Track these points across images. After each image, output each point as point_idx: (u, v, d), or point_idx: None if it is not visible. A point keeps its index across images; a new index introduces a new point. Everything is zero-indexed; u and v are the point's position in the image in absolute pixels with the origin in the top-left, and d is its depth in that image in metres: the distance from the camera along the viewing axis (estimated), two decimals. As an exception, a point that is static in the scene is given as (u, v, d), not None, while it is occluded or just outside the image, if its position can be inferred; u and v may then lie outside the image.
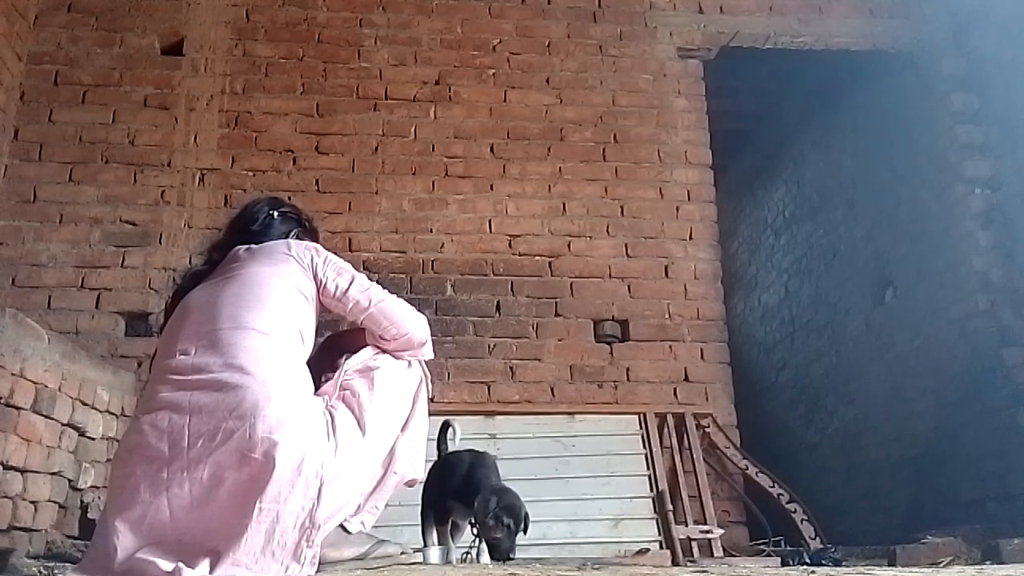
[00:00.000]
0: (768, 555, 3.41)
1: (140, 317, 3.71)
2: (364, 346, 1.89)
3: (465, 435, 2.66)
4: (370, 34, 4.25)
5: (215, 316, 1.69)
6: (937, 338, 4.27)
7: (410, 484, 1.94)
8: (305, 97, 4.10)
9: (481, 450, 2.37)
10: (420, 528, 2.28)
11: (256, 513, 1.49)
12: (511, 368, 3.82)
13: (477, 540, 2.22)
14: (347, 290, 1.84)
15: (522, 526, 2.09)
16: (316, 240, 2.06)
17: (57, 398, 2.56)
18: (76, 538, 2.69)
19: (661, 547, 3.35)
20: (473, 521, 2.16)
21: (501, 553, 2.06)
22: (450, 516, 2.26)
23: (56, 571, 2.24)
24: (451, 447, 2.45)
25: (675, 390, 3.88)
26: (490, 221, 4.03)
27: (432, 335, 1.96)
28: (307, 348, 1.79)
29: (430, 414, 1.97)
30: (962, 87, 4.33)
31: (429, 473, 2.29)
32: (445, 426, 2.49)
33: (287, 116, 4.07)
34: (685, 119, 4.30)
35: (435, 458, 2.39)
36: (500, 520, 2.06)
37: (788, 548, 3.51)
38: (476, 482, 2.15)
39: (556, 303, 3.94)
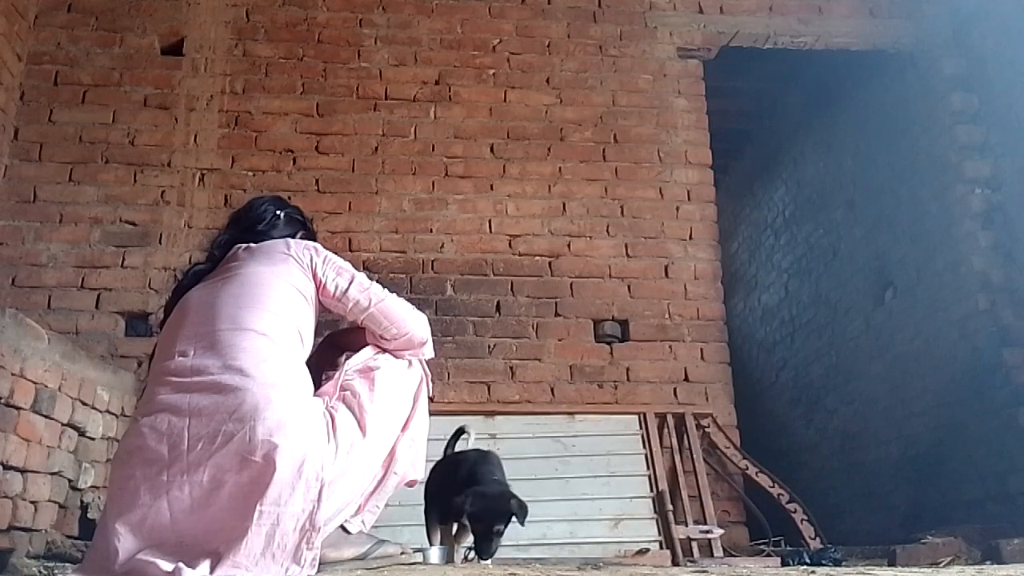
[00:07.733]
0: (768, 555, 3.41)
1: (140, 317, 3.71)
2: (364, 345, 1.88)
3: (465, 435, 2.64)
4: (370, 34, 4.25)
5: (214, 317, 1.68)
6: (937, 338, 4.27)
7: (410, 484, 1.93)
8: (305, 97, 4.11)
9: (486, 450, 2.36)
10: (424, 528, 2.28)
11: (256, 516, 1.48)
12: (511, 368, 3.82)
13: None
14: (347, 290, 1.83)
15: (500, 528, 2.01)
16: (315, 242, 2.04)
17: (57, 398, 2.56)
18: (76, 538, 2.68)
19: (661, 547, 3.35)
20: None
21: (479, 554, 2.04)
22: (452, 515, 2.26)
23: (56, 571, 2.25)
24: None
25: (675, 390, 3.88)
26: (490, 221, 4.03)
27: (432, 335, 1.96)
28: (306, 349, 1.78)
29: (430, 414, 1.97)
30: (962, 87, 4.32)
31: (432, 472, 2.29)
32: (459, 432, 2.47)
33: (287, 116, 4.07)
34: (685, 119, 4.29)
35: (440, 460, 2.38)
36: (473, 522, 2.02)
37: (788, 548, 3.51)
38: (476, 481, 2.13)
39: (556, 303, 3.94)
